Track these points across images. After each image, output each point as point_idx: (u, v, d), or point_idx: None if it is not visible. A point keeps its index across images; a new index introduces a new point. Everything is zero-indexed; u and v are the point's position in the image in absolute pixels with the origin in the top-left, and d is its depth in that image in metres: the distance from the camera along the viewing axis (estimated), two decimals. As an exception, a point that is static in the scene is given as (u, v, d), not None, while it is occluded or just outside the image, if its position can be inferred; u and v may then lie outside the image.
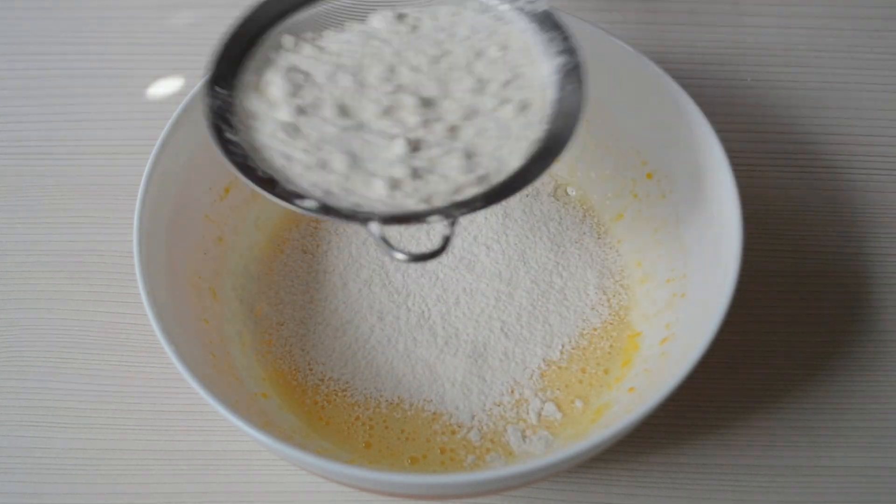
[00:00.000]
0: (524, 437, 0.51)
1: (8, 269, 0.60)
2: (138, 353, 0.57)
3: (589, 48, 0.54)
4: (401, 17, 0.48)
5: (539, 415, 0.52)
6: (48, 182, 0.64)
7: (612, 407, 0.50)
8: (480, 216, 0.57)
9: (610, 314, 0.55)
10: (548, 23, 0.46)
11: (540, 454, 0.50)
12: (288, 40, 0.47)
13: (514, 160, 0.43)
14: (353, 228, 0.57)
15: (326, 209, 0.41)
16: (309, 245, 0.57)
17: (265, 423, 0.46)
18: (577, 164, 0.60)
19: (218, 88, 0.45)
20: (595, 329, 0.54)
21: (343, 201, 0.42)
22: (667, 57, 0.67)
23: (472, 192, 0.42)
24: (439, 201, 0.42)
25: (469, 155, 0.44)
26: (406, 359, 0.53)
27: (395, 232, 0.56)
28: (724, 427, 0.55)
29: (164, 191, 0.50)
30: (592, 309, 0.55)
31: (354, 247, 0.56)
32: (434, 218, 0.41)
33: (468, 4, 0.47)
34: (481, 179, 0.43)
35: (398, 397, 0.52)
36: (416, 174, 0.43)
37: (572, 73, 0.44)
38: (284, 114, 0.45)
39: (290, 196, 0.42)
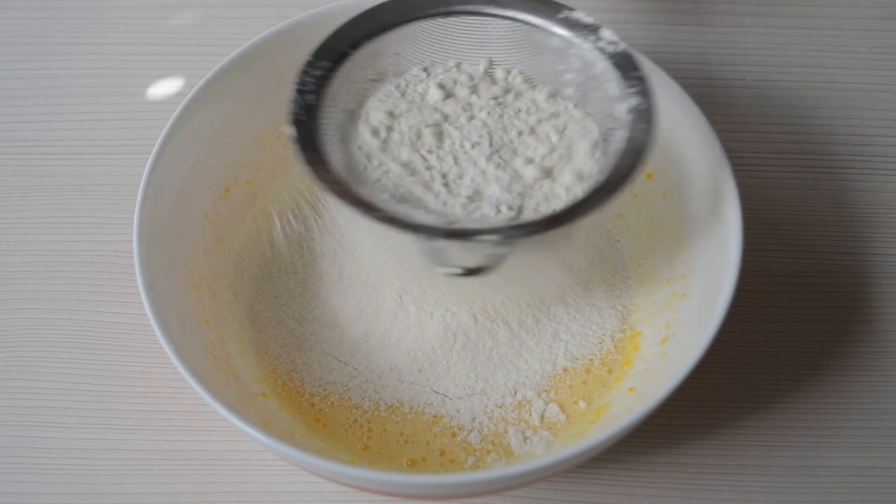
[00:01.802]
0: (525, 438, 0.51)
1: (8, 269, 0.60)
2: (138, 353, 0.57)
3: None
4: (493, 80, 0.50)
5: (542, 416, 0.52)
6: (48, 182, 0.64)
7: (612, 407, 0.50)
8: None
9: (614, 314, 0.55)
10: (627, 64, 0.47)
11: (540, 455, 0.50)
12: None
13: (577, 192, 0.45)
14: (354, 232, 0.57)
15: (389, 219, 0.42)
16: (310, 246, 0.57)
17: (265, 424, 0.46)
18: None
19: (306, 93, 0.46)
20: (600, 329, 0.54)
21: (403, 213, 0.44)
22: (667, 57, 0.67)
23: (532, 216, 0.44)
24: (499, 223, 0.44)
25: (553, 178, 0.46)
26: (406, 361, 0.53)
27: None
28: (724, 427, 0.55)
29: (164, 191, 0.50)
30: (596, 309, 0.55)
31: (354, 248, 0.56)
32: (490, 237, 0.42)
33: (552, 41, 0.48)
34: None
35: (398, 400, 0.52)
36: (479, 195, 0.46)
37: (644, 114, 0.45)
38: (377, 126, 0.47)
39: (363, 205, 0.43)
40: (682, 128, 0.52)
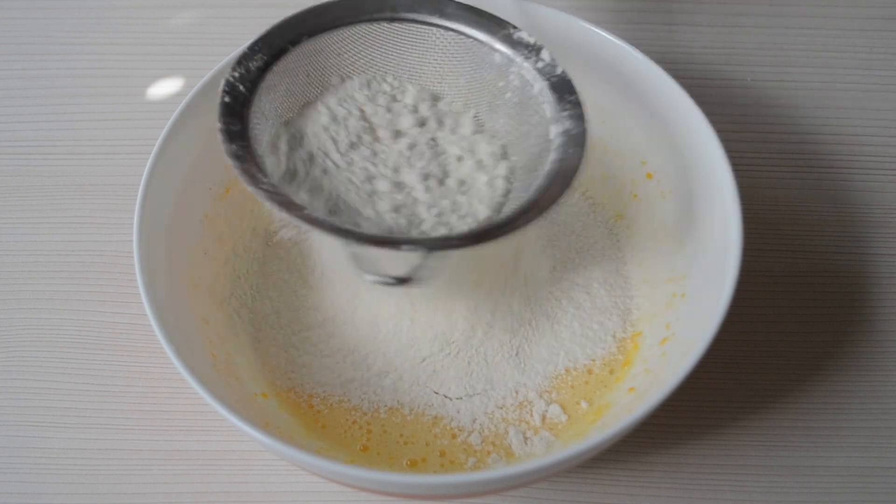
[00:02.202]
0: (526, 439, 0.51)
1: (8, 269, 0.60)
2: (138, 353, 0.57)
3: (589, 48, 0.54)
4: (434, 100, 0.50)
5: (543, 417, 0.52)
6: (48, 182, 0.64)
7: (612, 407, 0.50)
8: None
9: (615, 314, 0.55)
10: (564, 87, 0.47)
11: (540, 455, 0.50)
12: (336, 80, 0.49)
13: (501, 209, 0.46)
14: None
15: (312, 220, 0.42)
16: (309, 247, 0.57)
17: (265, 424, 0.46)
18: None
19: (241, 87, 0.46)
20: (602, 329, 0.54)
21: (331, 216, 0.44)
22: (667, 57, 0.67)
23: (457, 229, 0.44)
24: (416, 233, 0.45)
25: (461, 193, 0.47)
26: (406, 362, 0.53)
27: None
28: (724, 427, 0.55)
29: (164, 191, 0.50)
30: (597, 309, 0.55)
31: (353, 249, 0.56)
32: (408, 247, 0.42)
33: (494, 57, 0.49)
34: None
35: (398, 401, 0.52)
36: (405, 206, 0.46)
37: (575, 139, 0.45)
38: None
39: (287, 204, 0.42)
40: (682, 128, 0.52)
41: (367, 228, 0.45)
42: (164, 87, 0.68)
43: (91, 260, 0.60)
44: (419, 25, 0.49)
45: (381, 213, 0.45)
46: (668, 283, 0.53)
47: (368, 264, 0.44)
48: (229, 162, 0.43)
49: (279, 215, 0.42)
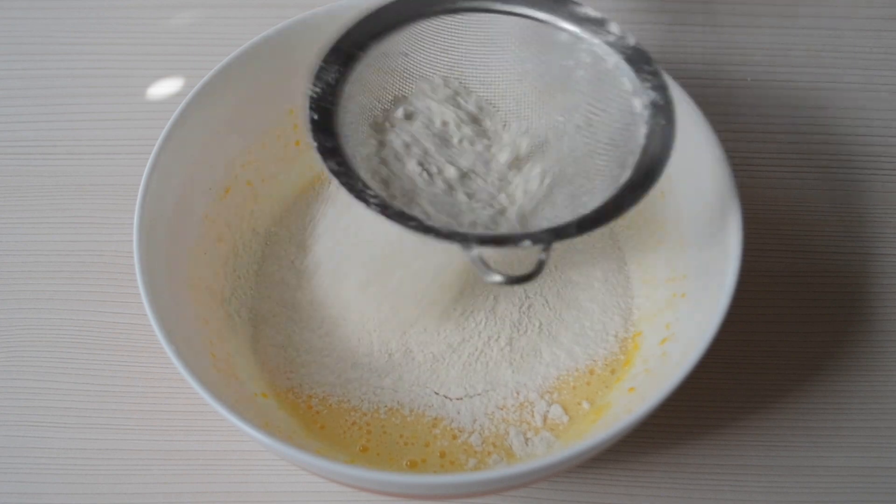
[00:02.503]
0: (527, 439, 0.51)
1: (8, 269, 0.60)
2: (138, 353, 0.57)
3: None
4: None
5: (544, 417, 0.52)
6: (48, 182, 0.64)
7: (612, 407, 0.50)
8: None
9: (617, 314, 0.55)
10: (639, 58, 0.46)
11: (541, 455, 0.50)
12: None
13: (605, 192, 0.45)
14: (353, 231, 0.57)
15: (426, 228, 0.42)
16: (309, 247, 0.57)
17: (265, 424, 0.46)
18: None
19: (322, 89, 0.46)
20: (603, 330, 0.54)
21: (439, 221, 0.44)
22: (667, 57, 0.67)
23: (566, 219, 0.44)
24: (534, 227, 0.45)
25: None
26: (406, 363, 0.53)
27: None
28: (724, 427, 0.55)
29: (164, 191, 0.50)
30: (598, 309, 0.55)
31: (353, 250, 0.56)
32: (527, 243, 0.42)
33: (560, 36, 0.48)
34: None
35: (398, 402, 0.52)
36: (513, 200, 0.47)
37: (663, 110, 0.45)
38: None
39: (397, 215, 0.43)
40: (682, 128, 0.52)
41: (479, 230, 0.45)
42: (164, 87, 0.68)
43: (91, 260, 0.60)
44: (479, 14, 0.48)
45: (478, 212, 0.46)
46: (668, 283, 0.53)
47: (493, 265, 0.44)
48: (333, 180, 0.43)
49: (392, 227, 0.42)
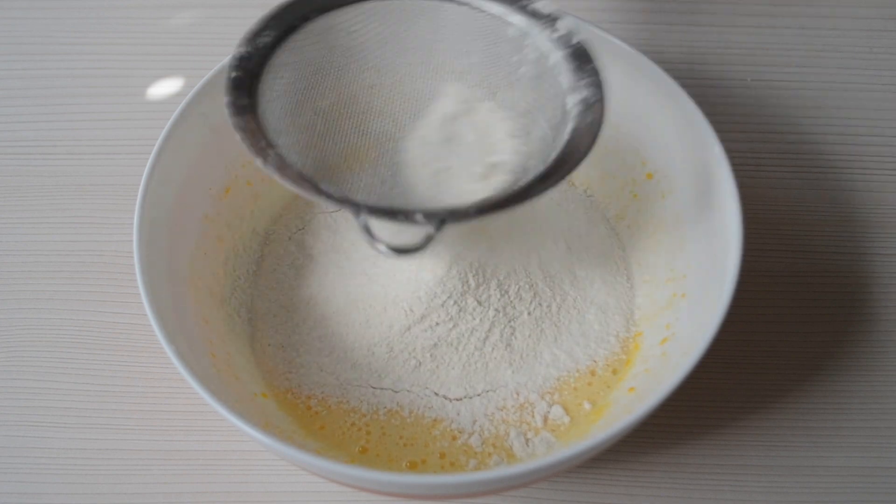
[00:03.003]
0: (527, 440, 0.51)
1: (8, 269, 0.60)
2: (138, 353, 0.57)
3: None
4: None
5: (545, 418, 0.52)
6: (48, 182, 0.64)
7: (612, 407, 0.50)
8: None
9: (618, 314, 0.55)
10: (580, 57, 0.46)
11: (541, 455, 0.50)
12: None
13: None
14: (353, 230, 0.57)
15: (319, 191, 0.42)
16: (308, 246, 0.57)
17: (265, 424, 0.46)
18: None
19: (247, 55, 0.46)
20: (603, 330, 0.54)
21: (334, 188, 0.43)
22: (667, 57, 0.67)
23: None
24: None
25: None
26: (406, 363, 0.53)
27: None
28: (724, 427, 0.55)
29: (164, 191, 0.50)
30: (600, 309, 0.55)
31: (353, 249, 0.56)
32: (419, 217, 0.41)
33: (509, 26, 0.48)
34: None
35: (397, 403, 0.52)
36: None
37: (594, 107, 0.45)
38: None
39: (293, 176, 0.42)
40: (682, 128, 0.52)
41: (379, 200, 0.44)
42: (164, 87, 0.68)
43: (91, 260, 0.60)
44: (430, 1, 0.48)
45: (396, 182, 0.45)
46: (669, 283, 0.53)
47: (380, 236, 0.43)
48: (236, 135, 0.43)
49: (288, 188, 0.42)
